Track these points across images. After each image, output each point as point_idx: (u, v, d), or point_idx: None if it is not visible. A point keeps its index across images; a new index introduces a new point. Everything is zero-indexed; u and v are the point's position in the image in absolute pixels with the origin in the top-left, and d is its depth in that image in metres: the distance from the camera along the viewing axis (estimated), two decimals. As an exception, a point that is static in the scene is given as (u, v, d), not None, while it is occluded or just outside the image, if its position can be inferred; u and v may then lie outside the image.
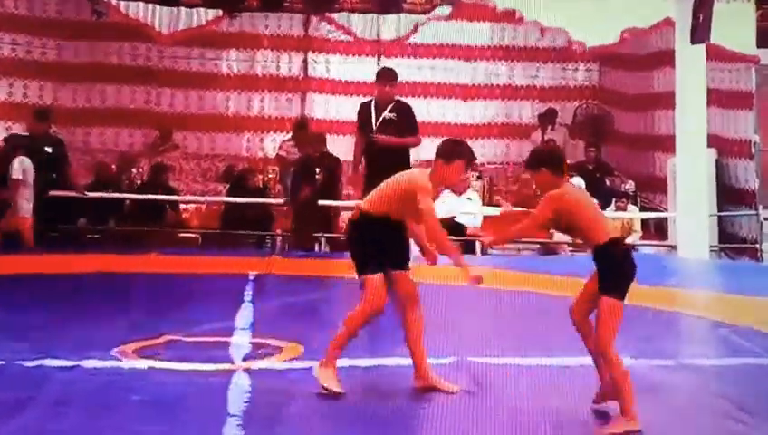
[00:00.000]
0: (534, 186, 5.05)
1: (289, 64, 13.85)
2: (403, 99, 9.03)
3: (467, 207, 11.47)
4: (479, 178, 13.36)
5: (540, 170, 4.80)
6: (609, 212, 11.69)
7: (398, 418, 4.68)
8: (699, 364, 5.99)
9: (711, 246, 10.06)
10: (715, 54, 11.35)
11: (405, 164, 7.94)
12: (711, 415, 4.93)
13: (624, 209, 11.70)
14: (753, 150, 11.73)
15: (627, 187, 12.74)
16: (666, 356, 6.10)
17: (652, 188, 12.95)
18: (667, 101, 11.67)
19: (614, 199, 11.85)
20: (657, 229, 11.90)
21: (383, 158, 8.27)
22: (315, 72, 13.92)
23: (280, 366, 5.42)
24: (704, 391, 5.39)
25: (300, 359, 5.54)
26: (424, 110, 13.90)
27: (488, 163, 14.05)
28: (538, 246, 11.14)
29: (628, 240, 11.33)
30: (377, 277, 4.92)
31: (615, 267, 4.68)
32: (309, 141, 11.38)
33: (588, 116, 14.07)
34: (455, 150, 5.09)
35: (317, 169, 10.50)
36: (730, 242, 11.48)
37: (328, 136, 12.14)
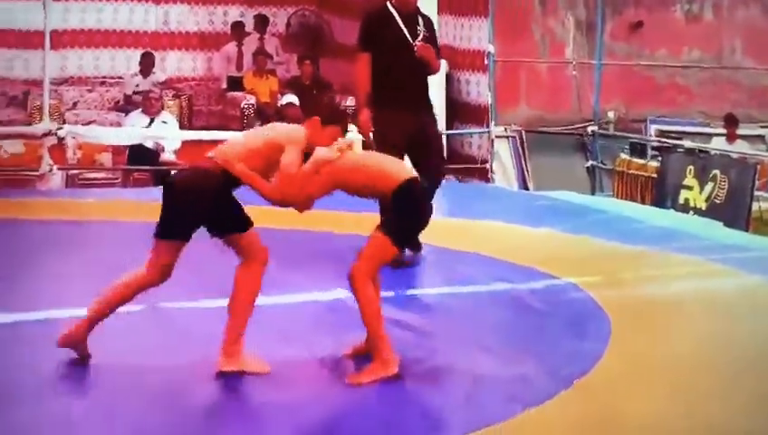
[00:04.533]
0: None
1: None
2: None
3: (162, 132, 11.30)
4: (176, 97, 13.20)
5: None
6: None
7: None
8: (420, 294, 6.28)
9: (439, 168, 10.46)
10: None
11: (429, 103, 7.18)
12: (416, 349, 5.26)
13: (343, 130, 11.92)
14: (487, 62, 12.27)
15: (347, 104, 12.97)
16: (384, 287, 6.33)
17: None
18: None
19: (332, 119, 12.03)
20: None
21: (411, 89, 6.97)
22: None
23: None
24: (422, 320, 5.79)
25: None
26: (108, 16, 13.53)
27: (186, 79, 13.96)
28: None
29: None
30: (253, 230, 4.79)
31: None
32: None
33: (304, 25, 14.17)
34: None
35: None
36: (460, 163, 12.04)
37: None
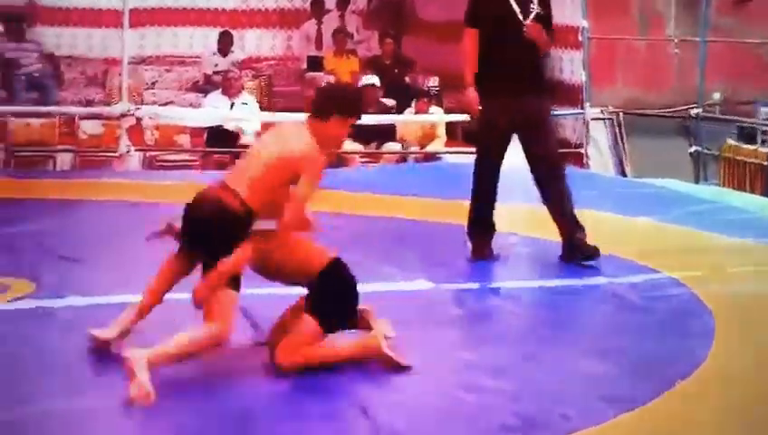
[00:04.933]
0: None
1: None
2: None
3: (242, 114, 11.35)
4: (255, 77, 13.25)
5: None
6: (408, 115, 11.85)
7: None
8: (507, 287, 6.29)
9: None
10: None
11: (540, 84, 6.94)
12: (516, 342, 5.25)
13: (426, 111, 11.83)
14: (580, 39, 12.09)
15: (430, 84, 12.91)
16: (469, 279, 6.39)
17: (461, 86, 13.15)
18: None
19: (414, 100, 11.98)
20: (465, 134, 12.12)
21: (520, 69, 6.71)
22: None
23: (7, 307, 5.51)
24: (511, 315, 5.76)
25: (32, 297, 5.65)
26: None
27: (265, 59, 13.93)
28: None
29: (430, 147, 11.58)
30: (235, 294, 4.61)
31: None
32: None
33: (385, 1, 14.13)
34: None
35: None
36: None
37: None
